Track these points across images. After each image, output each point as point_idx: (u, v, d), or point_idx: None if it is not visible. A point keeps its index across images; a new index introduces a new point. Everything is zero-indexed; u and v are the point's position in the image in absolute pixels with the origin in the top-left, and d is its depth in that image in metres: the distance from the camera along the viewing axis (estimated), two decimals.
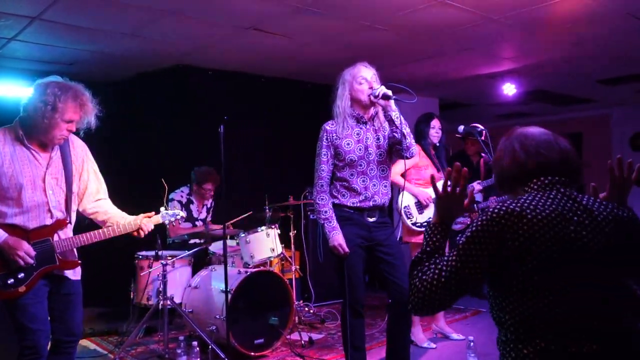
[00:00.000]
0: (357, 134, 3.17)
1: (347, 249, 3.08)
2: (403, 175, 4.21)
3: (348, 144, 3.15)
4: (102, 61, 5.44)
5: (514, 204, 1.54)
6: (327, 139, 3.17)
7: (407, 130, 3.14)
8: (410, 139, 3.16)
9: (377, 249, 3.20)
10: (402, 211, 4.31)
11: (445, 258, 1.59)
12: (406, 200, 4.32)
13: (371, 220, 3.20)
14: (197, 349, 3.80)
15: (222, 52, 5.28)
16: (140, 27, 4.47)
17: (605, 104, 8.58)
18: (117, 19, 4.25)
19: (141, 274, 4.43)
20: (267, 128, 6.24)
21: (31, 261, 2.50)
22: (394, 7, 4.12)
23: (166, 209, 2.98)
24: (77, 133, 2.68)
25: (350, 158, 3.14)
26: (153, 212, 2.91)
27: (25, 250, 2.48)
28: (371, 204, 3.18)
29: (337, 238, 3.09)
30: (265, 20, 4.36)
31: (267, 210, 4.99)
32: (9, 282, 2.47)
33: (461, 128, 3.95)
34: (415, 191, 4.30)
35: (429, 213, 4.30)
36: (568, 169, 1.63)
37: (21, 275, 2.49)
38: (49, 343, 2.65)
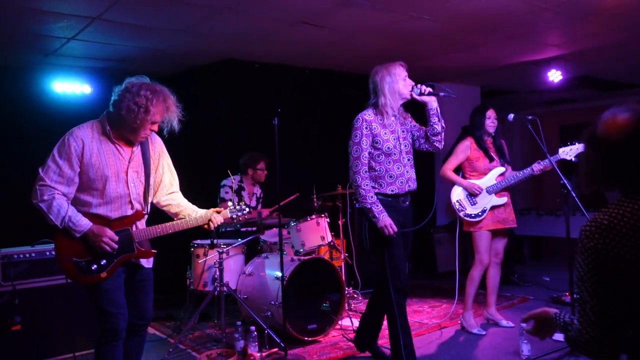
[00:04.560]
0: (390, 125, 3.47)
1: (395, 229, 3.31)
2: (456, 170, 4.45)
3: (385, 133, 3.43)
4: (153, 57, 5.61)
5: None
6: (366, 127, 3.40)
7: (442, 123, 3.47)
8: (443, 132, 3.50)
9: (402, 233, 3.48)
10: (455, 205, 4.39)
11: None
12: (457, 194, 4.41)
13: (405, 205, 3.51)
14: (255, 333, 3.95)
15: (269, 46, 5.38)
16: (193, 24, 4.61)
17: None
18: (172, 16, 4.40)
19: (198, 262, 4.60)
20: (312, 119, 6.35)
21: (116, 246, 2.66)
22: None
23: (235, 204, 3.11)
24: (160, 132, 2.83)
25: (387, 146, 3.41)
26: (222, 208, 3.04)
27: (110, 237, 2.65)
28: (407, 188, 3.47)
29: (387, 219, 3.32)
30: (314, 13, 4.44)
31: (316, 200, 5.11)
32: (92, 267, 2.64)
33: (511, 116, 3.98)
34: (465, 184, 4.38)
35: (483, 202, 4.36)
36: None
37: (104, 262, 2.66)
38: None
